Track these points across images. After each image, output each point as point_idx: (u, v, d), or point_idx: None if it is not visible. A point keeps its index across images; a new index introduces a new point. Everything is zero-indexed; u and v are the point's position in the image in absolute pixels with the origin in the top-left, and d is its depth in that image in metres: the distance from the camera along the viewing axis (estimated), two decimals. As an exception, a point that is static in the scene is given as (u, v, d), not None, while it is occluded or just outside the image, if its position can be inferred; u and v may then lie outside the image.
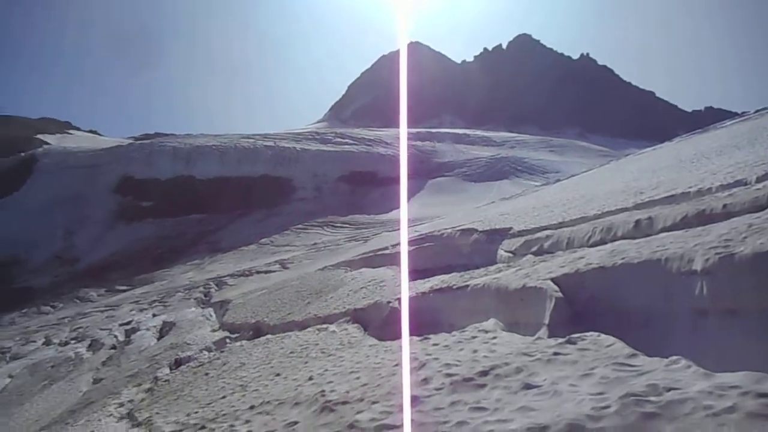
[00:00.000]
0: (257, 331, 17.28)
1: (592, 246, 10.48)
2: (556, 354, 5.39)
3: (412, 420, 5.08)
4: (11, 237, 55.33)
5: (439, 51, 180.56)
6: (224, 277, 35.62)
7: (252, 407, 7.59)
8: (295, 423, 6.29)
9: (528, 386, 4.82)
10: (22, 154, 72.06)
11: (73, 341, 29.52)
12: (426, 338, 8.13)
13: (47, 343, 30.89)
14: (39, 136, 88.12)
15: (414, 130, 73.65)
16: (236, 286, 31.44)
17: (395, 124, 79.97)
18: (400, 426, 5.09)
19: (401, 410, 5.45)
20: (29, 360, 28.30)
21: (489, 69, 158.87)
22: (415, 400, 5.52)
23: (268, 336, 14.94)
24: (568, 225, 12.98)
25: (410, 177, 58.29)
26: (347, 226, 45.65)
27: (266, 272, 34.09)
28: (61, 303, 40.17)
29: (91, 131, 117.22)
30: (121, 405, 14.89)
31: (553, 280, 8.18)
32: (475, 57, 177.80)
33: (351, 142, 67.29)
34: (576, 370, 4.85)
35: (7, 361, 29.71)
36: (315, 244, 41.23)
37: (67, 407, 18.80)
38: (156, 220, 56.66)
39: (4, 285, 47.88)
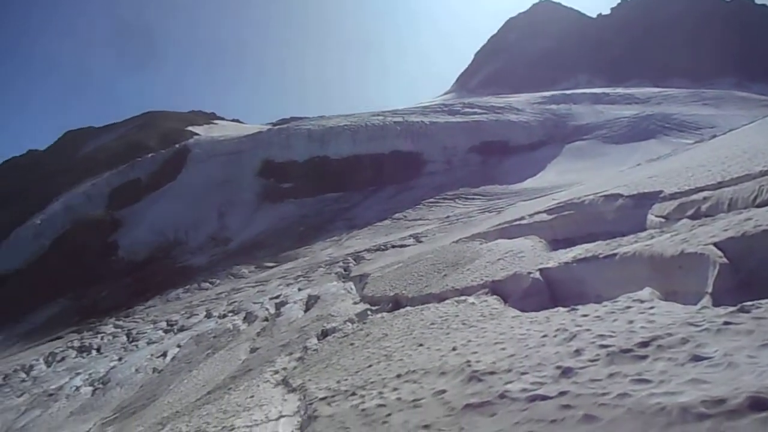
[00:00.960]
0: (396, 303, 17.54)
1: (759, 206, 9.36)
2: (726, 323, 4.85)
3: (567, 391, 4.84)
4: (173, 221, 61.18)
5: (571, 7, 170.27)
6: (361, 252, 36.66)
7: (398, 376, 7.68)
8: (443, 391, 6.26)
9: (697, 358, 4.39)
10: (177, 145, 78.83)
11: (230, 314, 32.12)
12: (573, 309, 7.75)
13: (208, 316, 33.93)
14: (190, 128, 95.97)
15: (548, 94, 70.37)
16: (373, 261, 32.23)
17: (525, 88, 76.92)
18: (555, 397, 4.87)
19: (554, 381, 5.22)
20: (194, 331, 31.27)
21: (629, 20, 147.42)
22: (568, 371, 5.27)
23: (407, 308, 15.10)
24: (728, 184, 11.72)
25: (545, 143, 55.96)
26: (480, 197, 44.99)
27: (401, 246, 34.59)
28: (217, 279, 43.82)
29: (234, 120, 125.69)
30: (276, 372, 15.92)
31: (715, 245, 7.41)
32: (612, 9, 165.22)
33: (480, 111, 65.79)
34: (753, 341, 4.33)
35: (175, 333, 33.08)
36: (447, 217, 41.15)
37: (229, 374, 20.49)
38: (296, 200, 59.61)
39: (169, 265, 53.20)
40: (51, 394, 29.27)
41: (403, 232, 40.25)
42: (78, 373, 31.20)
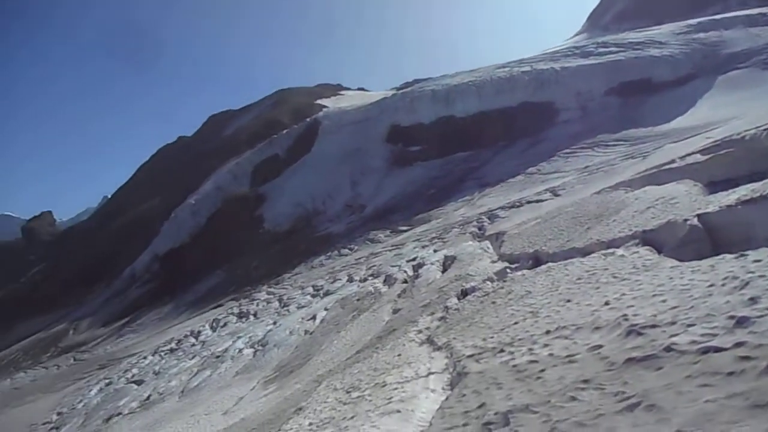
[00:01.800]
0: (536, 260, 17.04)
1: None
2: None
3: (744, 342, 4.37)
4: (310, 192, 64.15)
5: None
6: (495, 210, 35.99)
7: (547, 332, 7.43)
8: (599, 347, 5.94)
9: None
10: (308, 119, 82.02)
11: (370, 278, 33.18)
12: (742, 255, 6.98)
13: (350, 280, 35.32)
14: (318, 101, 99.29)
15: (694, 21, 63.33)
16: (508, 218, 31.52)
17: (667, 19, 69.86)
18: (730, 348, 4.41)
19: (728, 332, 4.72)
20: (338, 295, 32.74)
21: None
22: (743, 320, 4.76)
23: (549, 264, 14.56)
24: None
25: (694, 77, 50.73)
26: (621, 143, 42.01)
27: (537, 201, 33.47)
28: (356, 245, 45.38)
29: (359, 89, 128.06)
30: (420, 332, 16.19)
31: None
32: None
33: (616, 49, 60.89)
34: None
35: (321, 297, 34.86)
36: (586, 167, 39.01)
37: (375, 334, 21.23)
38: (425, 163, 59.73)
39: (310, 233, 55.98)
40: (218, 356, 32.29)
41: (538, 187, 38.89)
42: (239, 337, 34.08)
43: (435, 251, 31.58)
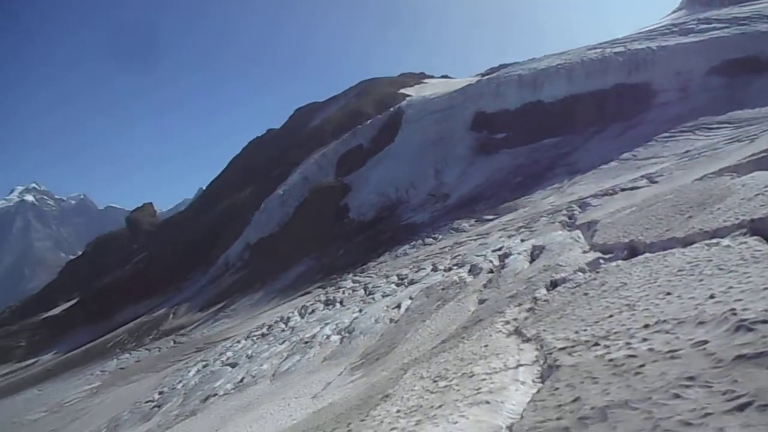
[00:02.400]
0: (632, 250, 16.26)
1: None
2: None
3: None
4: (394, 181, 64.47)
5: None
6: (586, 198, 34.67)
7: (646, 326, 7.06)
8: (705, 342, 5.56)
9: None
10: (391, 109, 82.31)
11: (455, 267, 32.93)
12: None
13: (434, 269, 35.22)
14: (401, 90, 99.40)
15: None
16: (601, 206, 30.28)
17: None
18: None
19: None
20: (423, 284, 32.74)
21: None
22: None
23: (646, 255, 13.86)
24: None
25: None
26: (725, 125, 39.17)
27: (632, 189, 31.92)
28: (440, 234, 45.18)
29: (443, 77, 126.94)
30: (507, 323, 15.89)
31: None
32: None
33: (719, 25, 56.66)
34: None
35: (406, 286, 35.00)
36: (687, 151, 36.72)
37: (460, 324, 21.07)
38: (510, 150, 58.41)
39: (394, 223, 56.32)
40: (306, 342, 33.23)
41: (633, 173, 37.06)
42: (327, 324, 34.91)
43: (522, 241, 30.87)
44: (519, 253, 27.76)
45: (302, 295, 48.10)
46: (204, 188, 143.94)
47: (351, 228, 60.62)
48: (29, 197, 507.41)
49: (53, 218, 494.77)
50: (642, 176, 34.29)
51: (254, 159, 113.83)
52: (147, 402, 36.32)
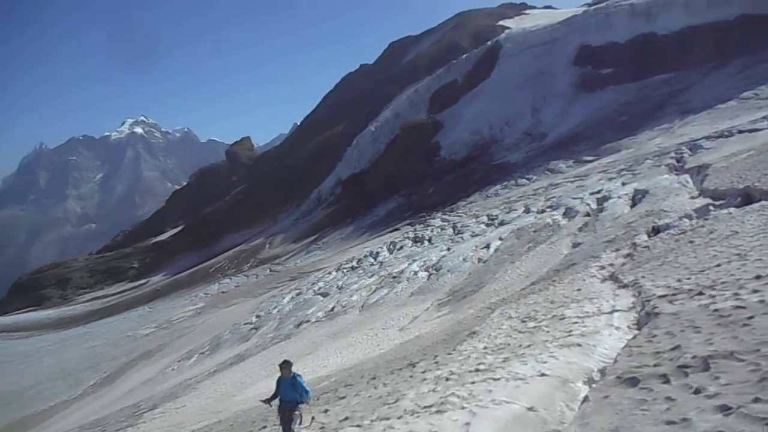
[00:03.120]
0: (746, 197, 15.04)
1: None
2: None
3: None
4: (488, 119, 62.70)
5: None
6: (698, 140, 32.24)
7: (758, 277, 6.54)
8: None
9: None
10: (488, 42, 79.05)
11: (548, 209, 32.02)
12: None
13: (526, 211, 34.43)
14: (500, 22, 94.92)
15: None
16: (714, 149, 28.08)
17: None
18: None
19: None
20: (513, 225, 32.19)
21: None
22: None
23: (762, 203, 12.74)
24: None
25: None
26: None
27: (751, 131, 29.31)
28: (534, 175, 43.85)
29: (545, 7, 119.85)
30: (602, 268, 15.33)
31: None
32: None
33: None
34: None
35: (496, 227, 34.54)
36: (818, 91, 33.01)
37: (552, 267, 20.62)
38: (617, 87, 54.87)
39: (486, 162, 55.18)
40: (394, 277, 33.90)
41: (754, 114, 33.90)
42: (414, 260, 35.34)
43: (623, 184, 29.39)
44: (619, 197, 26.52)
45: (391, 231, 48.75)
46: (298, 124, 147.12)
47: (441, 166, 60.11)
48: (138, 129, 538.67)
49: (160, 150, 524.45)
50: (763, 117, 31.32)
51: (347, 95, 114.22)
52: (245, 324, 38.77)
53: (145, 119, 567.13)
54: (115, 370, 40.43)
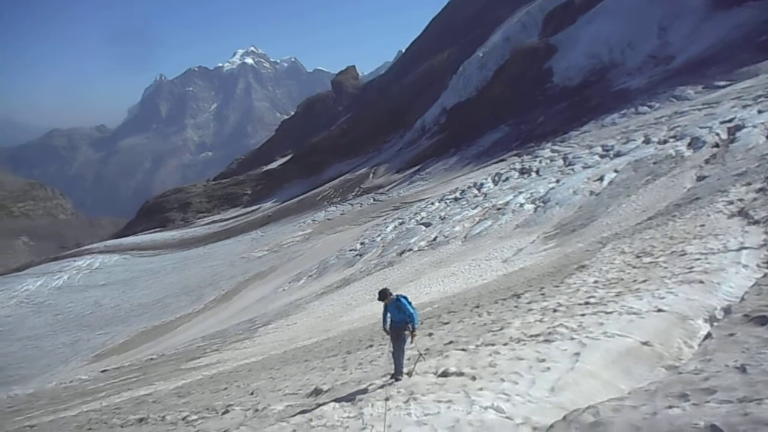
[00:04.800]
0: None
1: None
2: None
3: None
4: (607, 41, 58.04)
5: None
6: None
7: None
8: None
9: None
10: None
11: (671, 139, 29.68)
12: None
13: (646, 141, 32.11)
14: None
15: None
16: None
17: None
18: None
19: None
20: (631, 157, 30.22)
21: None
22: None
23: None
24: None
25: None
26: None
27: None
28: (657, 102, 40.52)
29: None
30: (730, 203, 14.11)
31: None
32: None
33: None
34: None
35: (611, 158, 32.62)
36: None
37: (672, 201, 19.26)
38: (757, 3, 48.59)
39: (604, 88, 51.57)
40: (499, 208, 33.29)
41: None
42: (520, 192, 34.41)
43: (759, 112, 26.50)
44: (754, 126, 24.01)
45: (496, 162, 47.56)
46: (403, 51, 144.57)
47: (553, 94, 57.04)
48: (249, 60, 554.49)
49: (269, 80, 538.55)
50: None
51: (454, 19, 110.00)
52: (350, 250, 40.02)
53: (254, 50, 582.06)
54: (232, 288, 43.48)
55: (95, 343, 37.25)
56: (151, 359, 23.95)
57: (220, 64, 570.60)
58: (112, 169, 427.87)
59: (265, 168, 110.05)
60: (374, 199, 59.43)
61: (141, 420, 8.82)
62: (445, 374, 6.61)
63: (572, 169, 34.35)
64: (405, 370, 6.94)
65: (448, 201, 40.90)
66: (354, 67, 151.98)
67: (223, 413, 7.67)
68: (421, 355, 7.37)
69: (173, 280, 51.29)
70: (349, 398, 6.51)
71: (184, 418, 8.02)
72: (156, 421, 8.46)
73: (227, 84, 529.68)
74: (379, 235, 40.35)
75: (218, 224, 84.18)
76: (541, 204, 30.24)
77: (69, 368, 32.18)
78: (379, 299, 7.07)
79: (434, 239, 33.27)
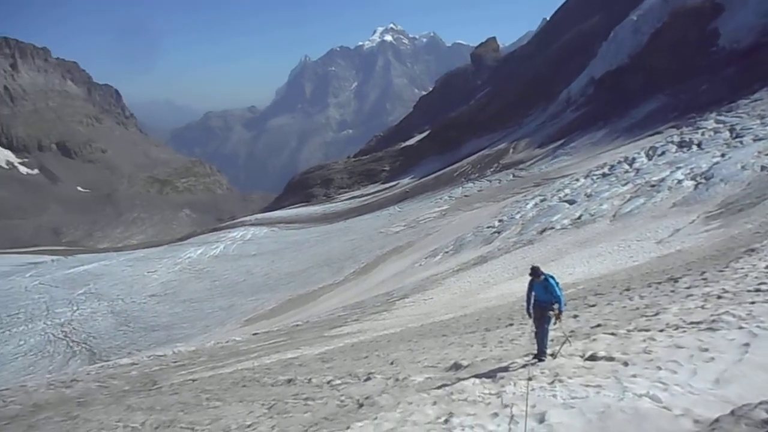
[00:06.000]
0: None
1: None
2: None
3: None
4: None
5: None
6: None
7: None
8: None
9: None
10: None
11: None
12: None
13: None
14: None
15: None
16: None
17: None
18: None
19: None
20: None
21: None
22: None
23: None
24: None
25: None
26: None
27: None
28: None
29: None
30: None
31: None
32: None
33: None
34: None
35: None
36: None
37: None
38: None
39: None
40: (653, 185, 30.85)
41: None
42: (678, 167, 31.61)
43: None
44: None
45: (651, 135, 44.03)
46: (547, 19, 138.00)
47: (719, 58, 51.32)
48: (388, 37, 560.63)
49: (408, 56, 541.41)
50: None
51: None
52: (488, 227, 39.41)
53: (393, 26, 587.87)
54: (371, 262, 44.81)
55: (247, 308, 40.28)
56: (297, 325, 25.40)
57: (360, 43, 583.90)
58: (262, 147, 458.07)
59: (403, 144, 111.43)
60: (514, 175, 57.90)
61: (289, 381, 9.33)
62: (593, 358, 6.28)
63: (740, 142, 30.95)
64: (549, 351, 6.69)
65: (594, 177, 38.73)
66: (494, 38, 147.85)
67: (365, 380, 7.87)
68: (567, 338, 7.06)
69: (316, 252, 53.86)
70: (490, 375, 6.38)
71: (328, 382, 8.36)
72: (303, 383, 8.91)
73: (367, 62, 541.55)
74: (518, 213, 39.31)
75: (358, 199, 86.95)
76: (703, 180, 27.61)
77: (225, 330, 35.15)
78: (530, 275, 6.86)
79: (579, 217, 31.74)
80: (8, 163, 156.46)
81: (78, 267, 57.68)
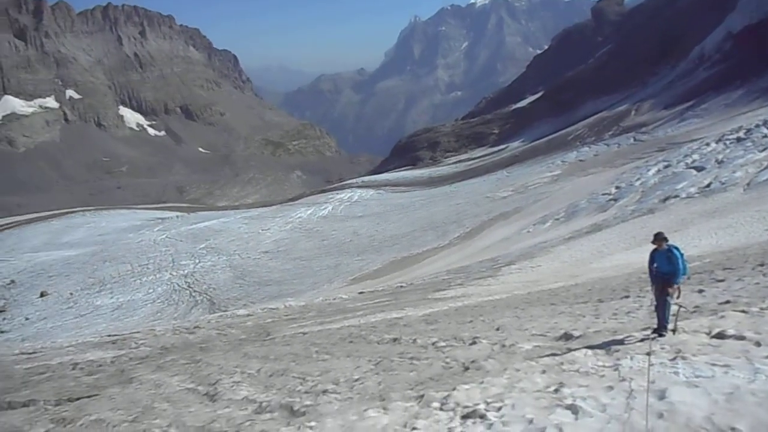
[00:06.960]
0: None
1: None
2: None
3: None
4: None
5: None
6: None
7: None
8: None
9: None
10: None
11: None
12: None
13: None
14: None
15: None
16: None
17: None
18: None
19: None
20: None
21: None
22: None
23: None
24: None
25: None
26: None
27: None
28: None
29: None
30: None
31: None
32: None
33: None
34: None
35: None
36: None
37: None
38: None
39: None
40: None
41: None
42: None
43: None
44: None
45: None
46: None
47: None
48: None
49: (522, 13, 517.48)
50: None
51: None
52: (603, 194, 37.50)
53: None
54: (476, 227, 44.25)
55: (353, 268, 41.32)
56: (401, 287, 25.71)
57: (472, 1, 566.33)
58: (370, 110, 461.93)
59: (514, 106, 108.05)
60: (635, 139, 54.49)
61: (394, 340, 9.45)
62: (720, 336, 5.78)
63: None
64: (670, 326, 6.23)
65: (728, 142, 35.56)
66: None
67: (471, 344, 7.78)
68: (681, 308, 6.52)
69: (421, 215, 53.97)
70: (604, 347, 6.06)
71: (433, 344, 8.36)
72: (408, 342, 8.98)
73: (479, 21, 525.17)
74: (638, 179, 37.04)
75: (464, 163, 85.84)
76: None
77: (332, 287, 36.34)
78: (652, 243, 6.39)
79: (707, 186, 29.38)
80: (138, 125, 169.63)
81: (200, 223, 61.81)
